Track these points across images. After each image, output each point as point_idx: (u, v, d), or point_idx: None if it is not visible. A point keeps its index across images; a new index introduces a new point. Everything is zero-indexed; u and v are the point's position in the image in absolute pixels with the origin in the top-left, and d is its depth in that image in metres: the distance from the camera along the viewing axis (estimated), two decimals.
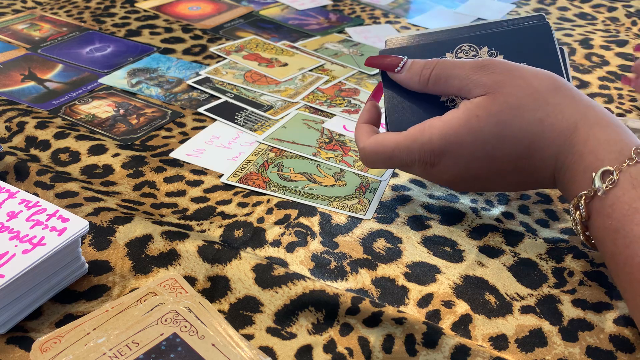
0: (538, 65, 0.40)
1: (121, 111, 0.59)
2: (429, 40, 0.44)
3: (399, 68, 0.42)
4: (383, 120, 0.46)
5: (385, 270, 0.40)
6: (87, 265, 0.39)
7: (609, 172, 0.34)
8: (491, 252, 0.42)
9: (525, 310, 0.38)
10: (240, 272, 0.39)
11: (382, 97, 0.45)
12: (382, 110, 0.46)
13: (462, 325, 0.36)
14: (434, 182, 0.44)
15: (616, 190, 0.34)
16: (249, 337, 0.35)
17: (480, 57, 0.43)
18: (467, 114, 0.38)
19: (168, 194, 0.48)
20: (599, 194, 0.34)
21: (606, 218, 0.34)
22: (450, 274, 0.40)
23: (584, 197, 0.35)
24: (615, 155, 0.34)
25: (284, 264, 0.40)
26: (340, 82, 0.67)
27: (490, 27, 0.44)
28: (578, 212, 0.36)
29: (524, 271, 0.41)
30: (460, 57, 0.43)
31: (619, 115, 0.62)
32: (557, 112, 0.37)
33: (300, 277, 0.38)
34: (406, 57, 0.42)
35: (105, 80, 0.65)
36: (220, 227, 0.43)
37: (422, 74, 0.41)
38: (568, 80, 0.41)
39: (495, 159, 0.38)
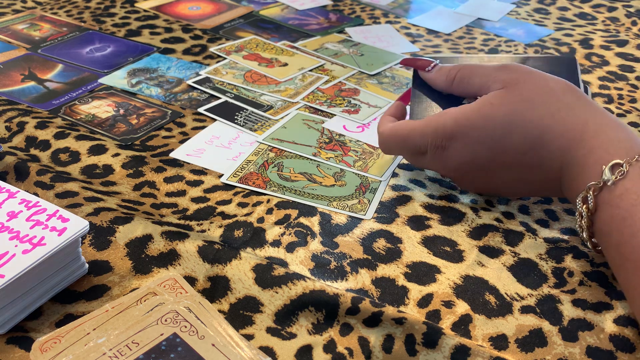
0: None
1: (121, 111, 0.59)
2: (455, 59, 0.49)
3: (429, 68, 0.47)
4: None
5: (385, 270, 0.40)
6: (87, 265, 0.39)
7: (619, 164, 0.35)
8: (491, 252, 0.42)
9: (525, 310, 0.38)
10: (240, 272, 0.39)
11: (410, 101, 0.49)
12: (408, 112, 0.49)
13: (462, 325, 0.36)
14: (441, 170, 0.45)
15: (625, 181, 0.34)
16: (249, 337, 0.35)
17: None
18: (482, 101, 0.41)
19: (168, 194, 0.48)
20: (609, 184, 0.35)
21: (614, 208, 0.35)
22: (450, 274, 0.40)
23: (592, 188, 0.36)
24: (625, 151, 0.36)
25: (284, 264, 0.40)
26: (340, 82, 0.67)
27: (518, 55, 0.49)
28: (585, 205, 0.36)
29: (524, 271, 0.41)
30: None
31: (619, 115, 0.62)
32: (568, 109, 0.39)
33: (300, 277, 0.38)
34: (438, 60, 0.48)
35: (105, 80, 0.65)
36: (220, 227, 0.43)
37: (449, 74, 0.45)
38: None
39: (503, 148, 0.40)
